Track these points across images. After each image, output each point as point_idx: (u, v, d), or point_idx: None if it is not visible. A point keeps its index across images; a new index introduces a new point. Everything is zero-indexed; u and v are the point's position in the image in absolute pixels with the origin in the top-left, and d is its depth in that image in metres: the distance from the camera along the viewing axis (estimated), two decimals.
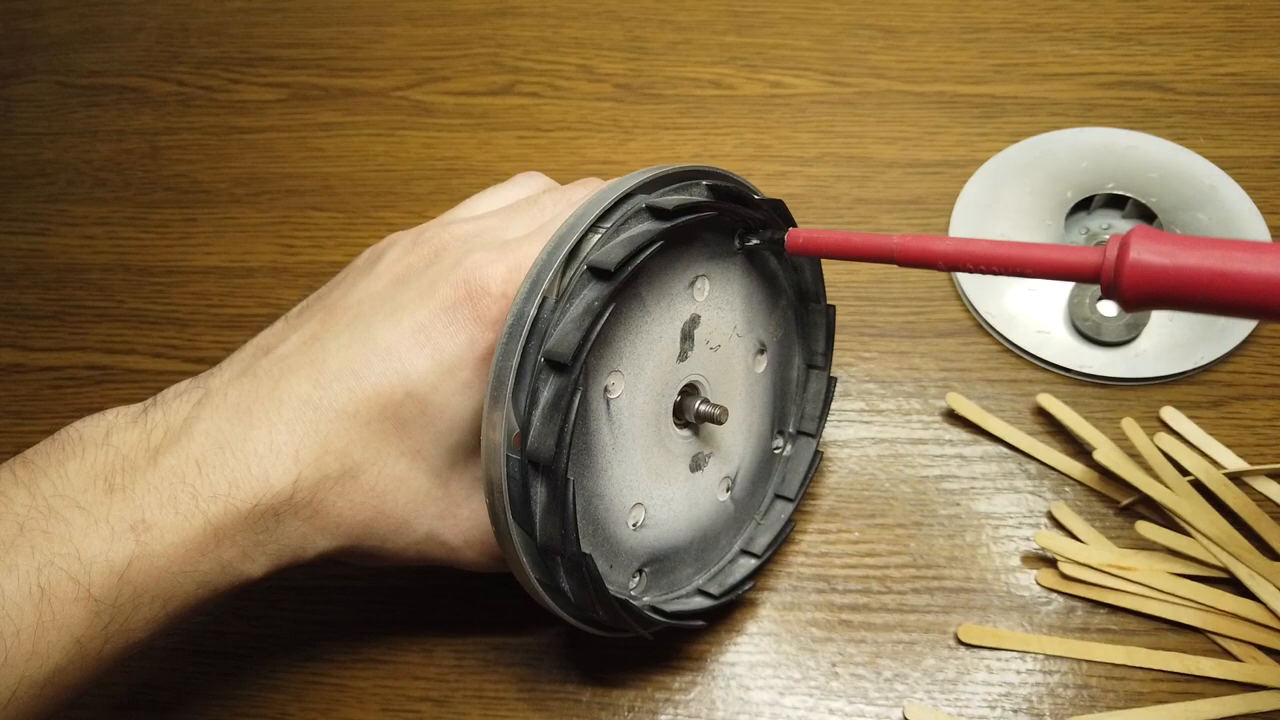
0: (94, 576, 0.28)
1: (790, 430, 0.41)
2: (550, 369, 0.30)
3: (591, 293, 0.31)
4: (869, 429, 0.44)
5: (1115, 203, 0.50)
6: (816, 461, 0.41)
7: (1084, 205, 0.49)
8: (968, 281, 0.48)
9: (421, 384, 0.31)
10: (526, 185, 0.38)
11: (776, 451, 0.40)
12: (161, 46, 0.62)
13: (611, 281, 0.30)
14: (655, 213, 0.32)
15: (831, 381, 0.40)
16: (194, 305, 0.51)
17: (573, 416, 0.30)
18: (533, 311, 0.30)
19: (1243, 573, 0.39)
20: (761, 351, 0.38)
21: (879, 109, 0.55)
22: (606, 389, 0.32)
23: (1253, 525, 0.40)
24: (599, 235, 0.31)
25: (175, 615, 0.30)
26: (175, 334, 0.50)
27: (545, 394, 0.30)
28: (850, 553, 0.41)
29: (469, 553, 0.34)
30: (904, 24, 0.58)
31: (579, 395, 0.30)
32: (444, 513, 0.33)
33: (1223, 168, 0.50)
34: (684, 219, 0.31)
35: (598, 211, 0.31)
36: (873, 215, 0.51)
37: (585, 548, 0.33)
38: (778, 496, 0.40)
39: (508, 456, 0.30)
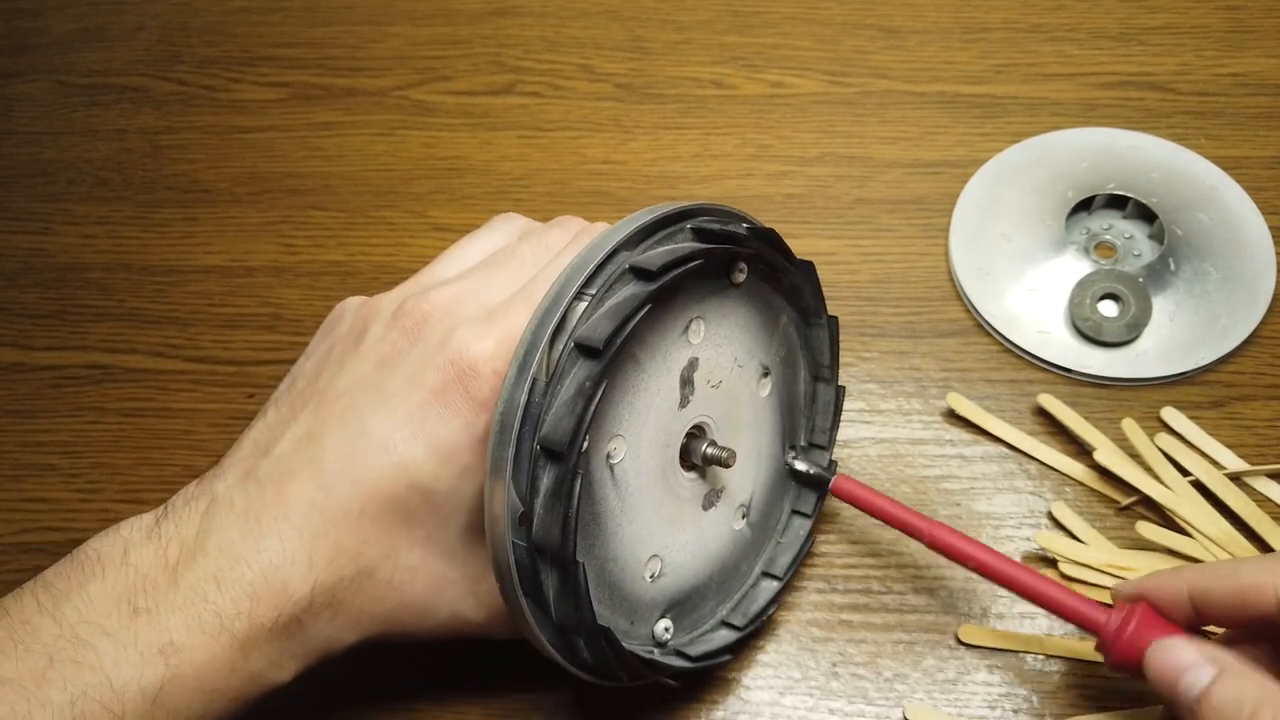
0: (127, 705, 0.27)
1: (802, 444, 0.40)
2: (547, 457, 0.29)
3: (582, 372, 0.29)
4: (869, 429, 0.44)
5: (1116, 203, 0.50)
6: (831, 473, 0.39)
7: (1085, 205, 0.49)
8: (968, 282, 0.48)
9: (421, 474, 0.31)
10: (503, 230, 0.37)
11: (790, 468, 0.39)
12: (162, 46, 0.62)
13: (601, 359, 0.29)
14: (640, 274, 0.31)
15: (840, 391, 0.40)
16: (194, 304, 0.51)
17: (575, 502, 0.29)
18: (523, 398, 0.29)
19: None
20: (765, 375, 0.37)
21: (880, 109, 0.55)
22: (609, 455, 0.32)
23: (1253, 526, 0.40)
24: (585, 303, 0.30)
25: None
26: (176, 333, 0.50)
27: (545, 481, 0.29)
28: (850, 553, 0.41)
29: (495, 625, 0.34)
30: (905, 24, 0.58)
31: (580, 479, 0.29)
32: (465, 593, 0.33)
33: (1223, 168, 0.50)
34: (670, 276, 0.30)
35: (580, 279, 0.30)
36: (873, 215, 0.51)
37: (604, 617, 0.32)
38: (794, 513, 0.40)
39: (514, 544, 0.30)
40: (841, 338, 0.46)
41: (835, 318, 0.39)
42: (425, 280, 0.35)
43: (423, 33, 0.61)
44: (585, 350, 0.29)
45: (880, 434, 0.44)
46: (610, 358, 0.29)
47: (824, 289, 0.48)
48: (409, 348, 0.32)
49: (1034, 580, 0.33)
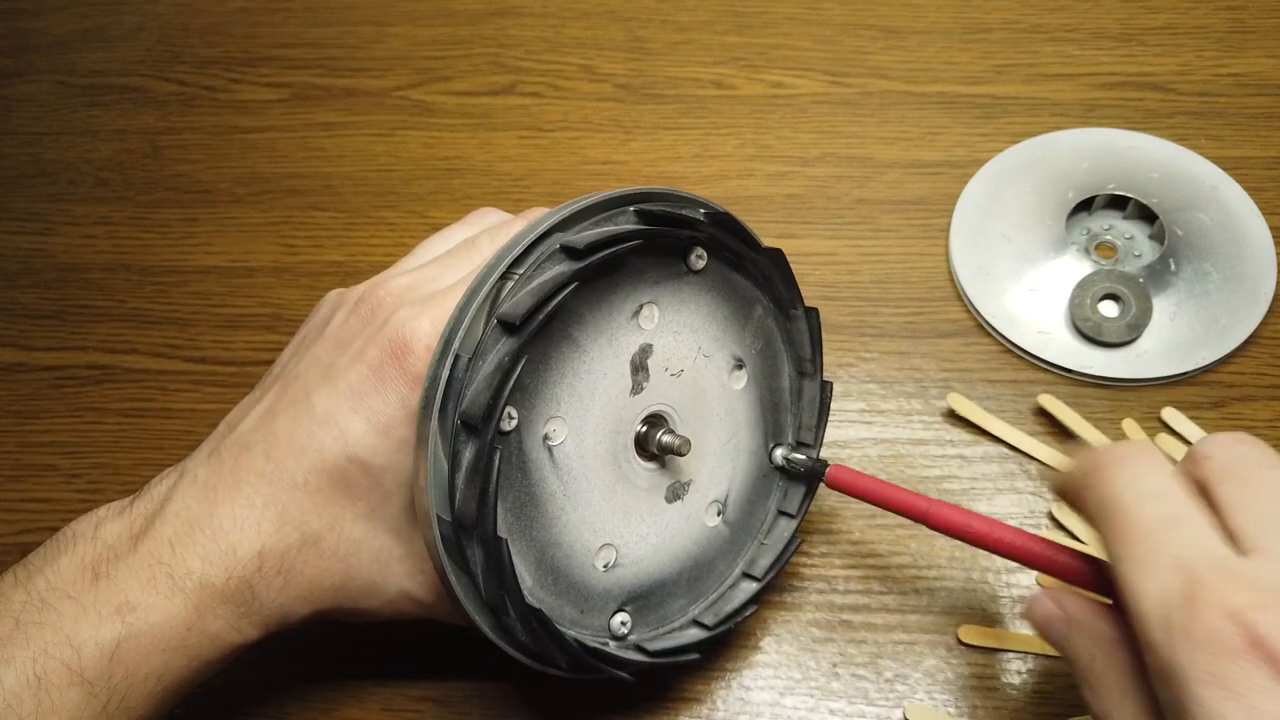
0: (85, 660, 0.29)
1: (790, 441, 0.39)
2: (467, 431, 0.30)
3: (503, 347, 0.30)
4: (870, 429, 0.44)
5: (1117, 203, 0.50)
6: (821, 467, 0.38)
7: (1085, 206, 0.49)
8: (969, 282, 0.48)
9: (360, 447, 0.32)
10: (475, 224, 0.38)
11: (775, 465, 0.39)
12: (163, 46, 0.62)
13: (519, 335, 0.29)
14: (568, 252, 0.31)
15: (826, 387, 0.39)
16: (195, 305, 0.51)
17: (494, 477, 0.29)
18: (445, 374, 0.30)
19: None
20: (739, 367, 0.37)
21: (880, 109, 0.55)
22: (546, 437, 0.32)
23: None
24: (513, 281, 0.30)
25: (173, 688, 0.31)
26: (176, 333, 0.50)
27: (466, 456, 0.30)
28: (851, 553, 0.41)
29: (443, 606, 0.34)
30: (905, 24, 0.58)
31: (498, 455, 0.29)
32: (412, 570, 0.34)
33: (1224, 168, 0.50)
34: (599, 255, 0.30)
35: (509, 258, 0.31)
36: (873, 215, 0.51)
37: (545, 602, 0.32)
38: (780, 513, 0.39)
39: (438, 518, 0.30)
40: (842, 338, 0.47)
41: (814, 309, 0.38)
42: (393, 270, 0.37)
43: (423, 33, 0.61)
44: (505, 326, 0.30)
45: (880, 434, 0.44)
46: (531, 334, 0.30)
47: (824, 289, 0.49)
48: (360, 330, 0.34)
49: (1043, 547, 0.32)
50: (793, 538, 0.38)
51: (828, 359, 0.45)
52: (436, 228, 0.39)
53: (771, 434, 0.38)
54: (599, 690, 0.38)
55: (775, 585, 0.40)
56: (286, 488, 0.32)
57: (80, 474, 0.46)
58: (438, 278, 0.34)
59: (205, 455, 0.33)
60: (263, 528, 0.31)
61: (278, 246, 0.53)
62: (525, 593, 0.31)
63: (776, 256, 0.36)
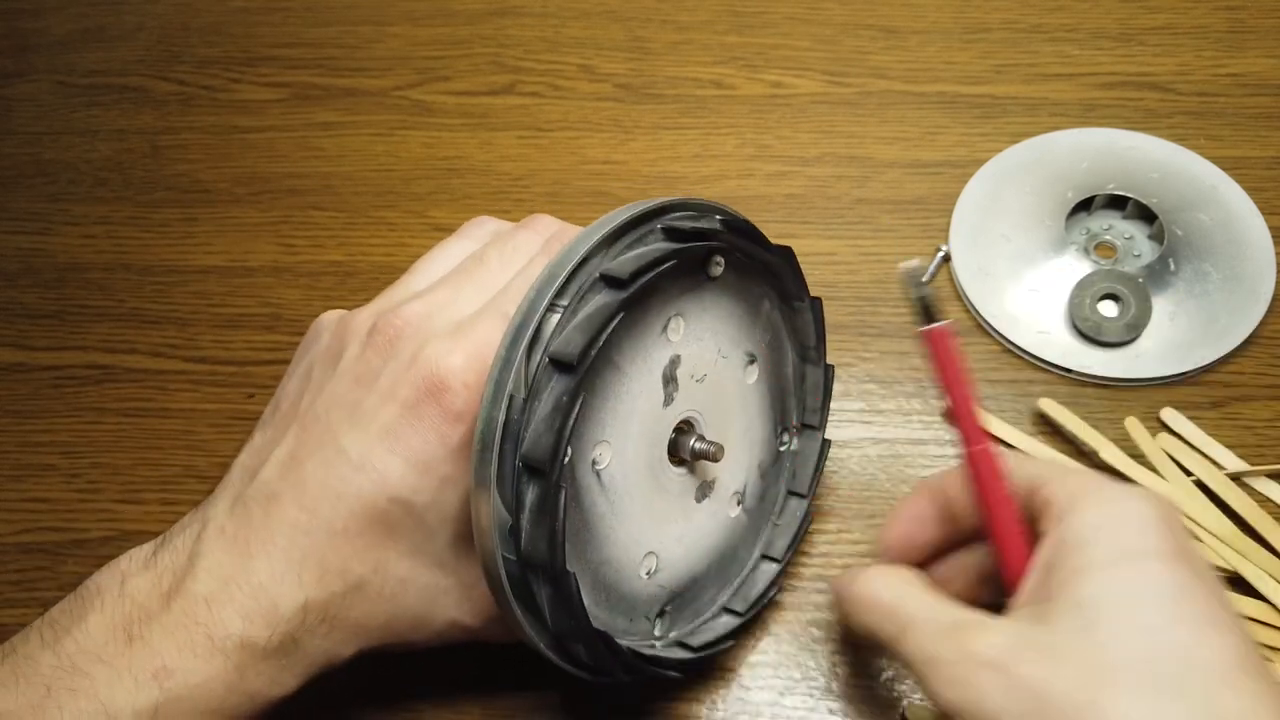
0: None
1: (794, 425, 0.40)
2: (529, 473, 0.29)
3: (558, 386, 0.29)
4: (869, 429, 0.44)
5: (1116, 203, 0.50)
6: (825, 452, 0.40)
7: (1084, 206, 0.49)
8: (968, 282, 0.48)
9: (401, 488, 0.31)
10: (473, 236, 0.37)
11: (783, 449, 0.39)
12: (162, 46, 0.62)
13: (576, 373, 0.29)
14: (611, 282, 0.31)
15: (829, 370, 0.39)
16: (194, 305, 0.51)
17: (561, 516, 0.29)
18: (501, 415, 0.29)
19: (1251, 572, 0.38)
20: (752, 362, 0.37)
21: (880, 109, 0.55)
22: (594, 462, 0.32)
23: (1254, 526, 0.40)
24: (558, 315, 0.30)
25: None
26: (176, 333, 0.50)
27: (530, 497, 0.29)
28: (850, 553, 0.41)
29: (492, 629, 0.34)
30: (905, 24, 0.59)
31: (564, 493, 0.29)
32: (459, 600, 0.33)
33: (1223, 168, 0.50)
34: (642, 281, 0.30)
35: (551, 291, 0.30)
36: (873, 215, 0.51)
37: (600, 619, 0.32)
38: (790, 493, 0.40)
39: (504, 557, 0.30)
40: (841, 337, 0.47)
41: (818, 299, 0.38)
42: (398, 294, 0.36)
43: (423, 33, 0.61)
44: (560, 365, 0.29)
45: (880, 434, 0.44)
46: (585, 370, 0.29)
47: (824, 289, 0.49)
48: (382, 365, 0.33)
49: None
50: (806, 515, 0.39)
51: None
52: (437, 228, 0.39)
53: (778, 421, 0.39)
54: (596, 690, 0.38)
55: (789, 569, 0.40)
56: (325, 536, 0.31)
57: (80, 474, 0.46)
58: (453, 302, 0.34)
59: (228, 505, 0.32)
60: (304, 579, 0.31)
61: (277, 246, 0.53)
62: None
63: (786, 254, 0.36)
